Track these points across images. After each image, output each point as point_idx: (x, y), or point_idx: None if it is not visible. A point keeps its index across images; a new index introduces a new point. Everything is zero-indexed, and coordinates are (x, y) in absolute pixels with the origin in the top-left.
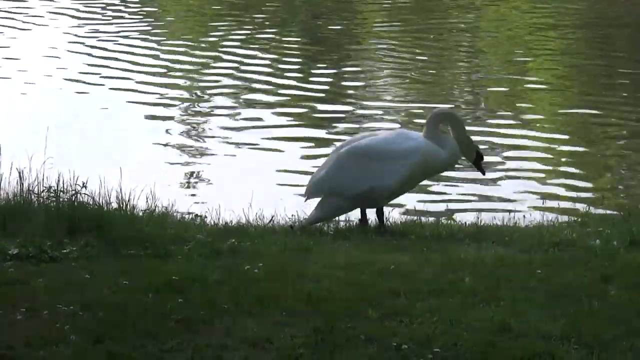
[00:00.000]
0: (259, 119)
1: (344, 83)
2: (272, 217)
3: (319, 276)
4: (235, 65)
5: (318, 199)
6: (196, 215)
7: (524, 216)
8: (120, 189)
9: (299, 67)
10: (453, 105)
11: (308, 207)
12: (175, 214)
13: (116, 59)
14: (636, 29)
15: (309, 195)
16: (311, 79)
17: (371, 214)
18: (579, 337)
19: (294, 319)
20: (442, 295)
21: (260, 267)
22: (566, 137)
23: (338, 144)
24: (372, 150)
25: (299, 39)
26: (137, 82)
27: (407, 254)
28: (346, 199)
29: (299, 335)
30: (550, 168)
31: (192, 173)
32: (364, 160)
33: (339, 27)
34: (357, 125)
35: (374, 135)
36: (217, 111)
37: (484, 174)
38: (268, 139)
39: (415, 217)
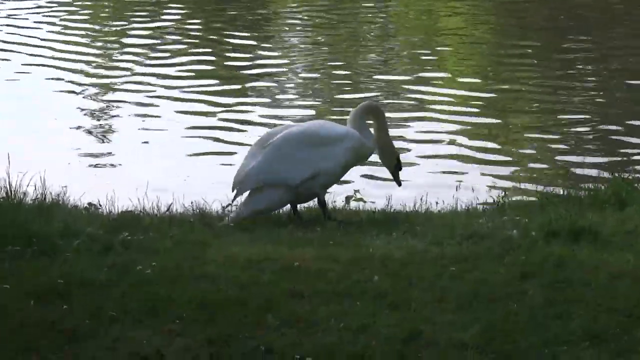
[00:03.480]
0: (159, 105)
1: (252, 71)
2: (170, 206)
3: (215, 276)
4: (137, 50)
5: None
6: (90, 204)
7: (436, 202)
8: (8, 176)
9: (205, 56)
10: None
11: (209, 195)
12: (67, 203)
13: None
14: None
15: (241, 189)
16: (219, 67)
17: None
18: (494, 344)
19: (188, 327)
20: (348, 298)
21: (153, 266)
22: (477, 122)
23: (242, 132)
24: (309, 136)
25: (205, 29)
26: (22, 65)
27: (312, 249)
28: (286, 190)
29: (193, 347)
30: (464, 154)
31: (86, 157)
32: (301, 146)
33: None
34: (266, 115)
35: (293, 126)
36: (112, 95)
37: (399, 184)
38: (170, 122)
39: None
